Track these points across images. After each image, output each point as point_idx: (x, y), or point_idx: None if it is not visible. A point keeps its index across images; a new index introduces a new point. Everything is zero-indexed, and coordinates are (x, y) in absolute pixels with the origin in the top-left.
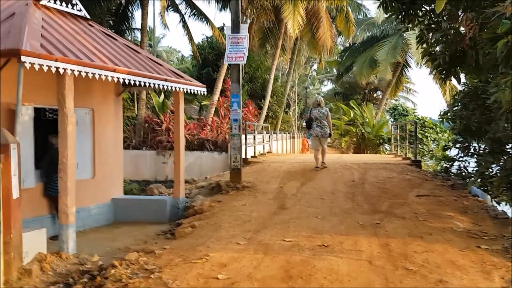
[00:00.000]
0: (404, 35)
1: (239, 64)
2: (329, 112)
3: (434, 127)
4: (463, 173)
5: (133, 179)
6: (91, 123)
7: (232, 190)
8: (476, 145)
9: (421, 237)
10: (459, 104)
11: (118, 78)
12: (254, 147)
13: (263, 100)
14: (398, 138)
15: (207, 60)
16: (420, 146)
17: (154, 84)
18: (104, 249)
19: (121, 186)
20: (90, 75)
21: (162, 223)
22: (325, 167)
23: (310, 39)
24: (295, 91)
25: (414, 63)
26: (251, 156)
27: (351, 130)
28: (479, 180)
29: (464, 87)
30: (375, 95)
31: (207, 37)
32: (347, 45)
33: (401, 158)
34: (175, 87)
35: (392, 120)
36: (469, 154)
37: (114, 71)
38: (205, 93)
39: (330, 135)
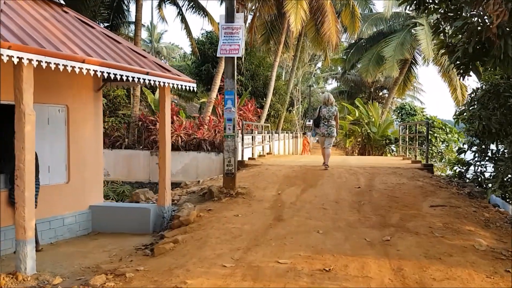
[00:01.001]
0: (412, 30)
1: (234, 58)
2: (338, 112)
3: (443, 127)
4: (480, 179)
5: (126, 180)
6: (66, 122)
7: (225, 197)
8: (494, 148)
9: (440, 259)
10: (476, 103)
11: (88, 70)
12: (253, 148)
13: (265, 99)
14: (407, 139)
15: (206, 56)
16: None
17: (134, 77)
18: (72, 268)
19: (101, 192)
20: (53, 66)
21: (145, 234)
22: (327, 168)
23: (315, 35)
24: (298, 90)
25: (421, 60)
26: (249, 158)
27: (356, 130)
28: (498, 187)
29: (482, 85)
30: (380, 94)
31: (206, 32)
32: (353, 42)
33: (410, 161)
34: (160, 82)
35: (398, 120)
36: (487, 158)
37: (83, 61)
38: (195, 89)
39: (337, 134)
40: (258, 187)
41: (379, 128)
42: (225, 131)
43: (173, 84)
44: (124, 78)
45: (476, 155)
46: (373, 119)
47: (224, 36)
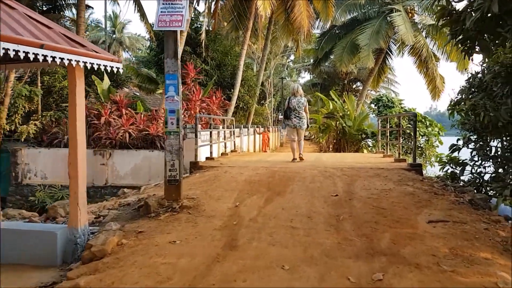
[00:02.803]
0: (388, 18)
1: (176, 32)
2: (307, 103)
3: (423, 120)
4: (478, 182)
5: (66, 184)
6: None
7: (165, 213)
8: (498, 145)
9: None
10: (476, 90)
11: None
12: (211, 146)
13: (232, 90)
14: (387, 134)
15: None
16: (409, 143)
17: (18, 51)
18: None
19: None
20: None
21: (50, 267)
22: (302, 159)
23: (285, 21)
24: (271, 82)
25: (396, 50)
26: (207, 158)
27: (331, 125)
28: (510, 194)
29: (485, 68)
30: (354, 86)
31: None
32: (326, 30)
33: (393, 159)
34: (65, 59)
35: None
36: (488, 157)
37: None
38: (120, 70)
39: (307, 127)
40: (212, 196)
41: (355, 121)
42: (167, 126)
43: (85, 62)
44: (2, 51)
45: (475, 153)
46: (348, 112)
47: (163, 4)
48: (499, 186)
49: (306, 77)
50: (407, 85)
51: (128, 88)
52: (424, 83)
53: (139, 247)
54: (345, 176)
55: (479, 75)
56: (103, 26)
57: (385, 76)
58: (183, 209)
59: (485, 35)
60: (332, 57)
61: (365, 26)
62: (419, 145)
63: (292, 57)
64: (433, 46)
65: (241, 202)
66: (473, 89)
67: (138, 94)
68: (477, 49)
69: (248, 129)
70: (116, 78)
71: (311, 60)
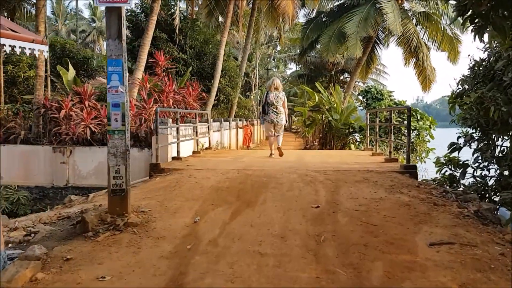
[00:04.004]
0: (377, 4)
1: (120, 9)
2: (286, 97)
3: (414, 113)
4: (482, 187)
5: (24, 184)
6: None
7: (105, 232)
8: (505, 145)
9: None
10: (481, 80)
11: None
12: (178, 144)
13: (212, 81)
14: (377, 130)
15: (140, 29)
16: (398, 138)
17: None
18: None
19: None
20: None
21: None
22: (281, 154)
23: (269, 8)
24: (256, 73)
25: (385, 39)
26: (173, 158)
27: (317, 118)
28: None
29: (492, 54)
30: (341, 77)
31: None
32: (312, 17)
33: (383, 158)
34: None
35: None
36: (494, 158)
37: None
38: (45, 54)
39: (286, 121)
40: (167, 209)
41: (342, 115)
42: (110, 124)
43: None
44: None
45: (479, 154)
46: (334, 105)
47: None
48: (510, 194)
49: (293, 68)
50: (393, 76)
51: (104, 78)
52: (414, 74)
53: (57, 285)
54: (329, 182)
55: (484, 63)
56: (84, 15)
57: (374, 67)
58: (128, 227)
59: (500, 11)
60: (318, 46)
61: (353, 13)
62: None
63: (278, 48)
64: (424, 35)
65: (202, 216)
66: (477, 79)
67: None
68: (487, 29)
69: (229, 123)
70: (87, 68)
71: (297, 50)
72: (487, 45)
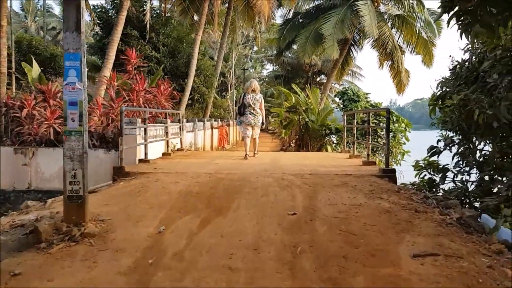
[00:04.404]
0: (353, 6)
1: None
2: (263, 99)
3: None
4: (462, 192)
5: None
6: None
7: (59, 242)
8: (487, 149)
9: None
10: (463, 82)
11: None
12: (146, 145)
13: (186, 80)
14: (355, 132)
15: (110, 26)
16: (374, 140)
17: None
18: None
19: None
20: None
21: None
22: (256, 155)
23: (244, 7)
24: (232, 73)
25: (361, 42)
26: (140, 161)
27: (293, 119)
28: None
29: (475, 54)
30: (318, 79)
31: None
32: (289, 18)
33: (361, 161)
34: None
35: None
36: (476, 163)
37: None
38: None
39: (263, 123)
40: (130, 217)
41: (318, 116)
42: (66, 124)
43: None
44: None
45: (460, 158)
46: (311, 106)
47: None
48: (494, 201)
49: (270, 68)
50: (367, 78)
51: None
52: (390, 77)
53: None
54: (306, 186)
55: (466, 64)
56: (54, 11)
57: (349, 69)
58: (84, 238)
59: (488, 7)
60: (295, 47)
61: (329, 14)
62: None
63: (255, 48)
64: (399, 38)
65: (168, 225)
66: (459, 81)
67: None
68: (475, 27)
69: (204, 123)
70: (54, 66)
71: (274, 51)
72: (469, 46)
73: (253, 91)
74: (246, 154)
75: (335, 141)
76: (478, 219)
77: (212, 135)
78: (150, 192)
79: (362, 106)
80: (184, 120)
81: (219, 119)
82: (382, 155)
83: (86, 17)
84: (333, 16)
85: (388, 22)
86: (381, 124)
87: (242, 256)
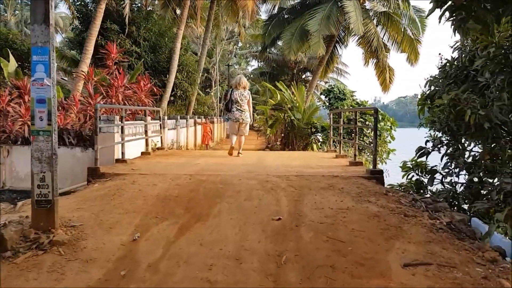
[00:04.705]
0: (339, 3)
1: None
2: (251, 96)
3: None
4: (450, 194)
5: None
6: None
7: (26, 251)
8: (475, 149)
9: None
10: (452, 81)
11: None
12: (123, 145)
13: (168, 76)
14: (341, 131)
15: (89, 20)
16: (360, 139)
17: None
18: None
19: None
20: None
21: None
22: (239, 155)
23: (228, 0)
24: (216, 70)
25: (346, 39)
26: (117, 161)
27: (279, 117)
28: (505, 219)
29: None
30: (304, 76)
31: None
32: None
33: (348, 161)
34: None
35: (322, 106)
36: (466, 164)
37: None
38: None
39: (251, 121)
40: (103, 223)
41: (304, 114)
42: (34, 123)
43: None
44: None
45: (449, 159)
46: (297, 104)
47: None
48: (485, 205)
49: (255, 65)
50: (353, 76)
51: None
52: (375, 75)
53: None
54: (292, 189)
55: (456, 62)
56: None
57: (334, 66)
58: (53, 246)
59: (483, 3)
60: (280, 43)
61: (315, 10)
62: (371, 141)
63: (240, 44)
64: (384, 36)
65: (143, 232)
66: (449, 80)
67: (66, 79)
68: (467, 22)
69: (187, 120)
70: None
71: (259, 47)
72: (458, 44)
73: (242, 87)
74: (230, 153)
75: (320, 140)
76: (469, 223)
77: (196, 133)
78: (125, 196)
79: (348, 104)
80: (166, 118)
81: (203, 116)
82: (368, 153)
83: (65, 10)
84: (319, 12)
85: (374, 19)
86: (367, 122)
87: (222, 267)
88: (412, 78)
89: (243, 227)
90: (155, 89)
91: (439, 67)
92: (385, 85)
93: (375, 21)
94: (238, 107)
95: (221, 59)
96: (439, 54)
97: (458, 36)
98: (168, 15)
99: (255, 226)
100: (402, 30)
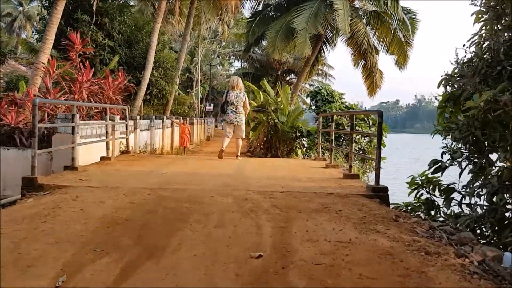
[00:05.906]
0: (327, 0)
1: None
2: (247, 97)
3: (366, 118)
4: (472, 219)
5: None
6: None
7: None
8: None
9: None
10: (483, 79)
11: None
12: (73, 148)
13: (143, 73)
14: (333, 138)
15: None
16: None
17: None
18: None
19: None
20: None
21: None
22: (238, 158)
23: None
24: (198, 69)
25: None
26: (65, 168)
27: (262, 120)
28: None
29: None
30: (288, 78)
31: None
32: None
33: (341, 173)
34: None
35: (308, 109)
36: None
37: None
38: None
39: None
40: (21, 257)
41: (289, 117)
42: None
43: None
44: None
45: (473, 177)
46: (281, 106)
47: None
48: None
49: (238, 65)
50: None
51: (25, 66)
52: (362, 77)
53: None
54: (277, 211)
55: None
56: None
57: (318, 67)
58: None
59: None
60: (264, 43)
61: (302, 7)
62: (361, 147)
63: (223, 43)
64: (373, 36)
65: (72, 274)
66: (477, 79)
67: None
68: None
69: (163, 121)
70: None
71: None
72: (476, 37)
73: (239, 88)
74: (221, 151)
75: (305, 145)
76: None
77: (173, 134)
78: (61, 217)
79: (337, 108)
80: (138, 117)
81: (181, 117)
82: (357, 160)
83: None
84: (306, 9)
85: (363, 18)
86: (357, 128)
87: None
88: (394, 85)
89: (210, 269)
90: (130, 86)
91: (459, 62)
92: (372, 88)
93: (364, 21)
94: (233, 109)
95: (204, 58)
96: (464, 45)
97: (476, 28)
98: (147, 10)
99: (227, 267)
100: (392, 32)
